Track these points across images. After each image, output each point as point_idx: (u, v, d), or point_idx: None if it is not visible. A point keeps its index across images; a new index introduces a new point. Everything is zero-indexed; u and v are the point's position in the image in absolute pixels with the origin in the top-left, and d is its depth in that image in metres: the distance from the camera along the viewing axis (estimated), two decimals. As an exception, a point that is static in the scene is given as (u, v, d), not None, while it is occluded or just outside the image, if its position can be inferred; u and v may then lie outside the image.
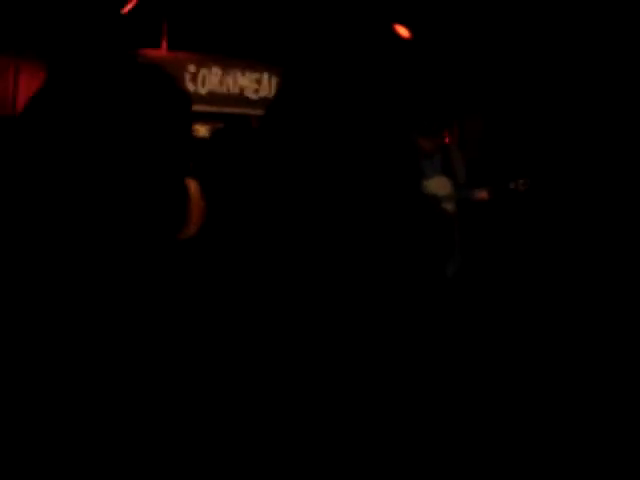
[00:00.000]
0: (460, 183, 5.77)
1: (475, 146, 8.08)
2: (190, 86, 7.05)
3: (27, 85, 6.23)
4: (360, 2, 7.24)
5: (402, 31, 7.71)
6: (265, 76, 7.47)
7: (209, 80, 7.17)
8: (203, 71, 7.12)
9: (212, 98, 7.21)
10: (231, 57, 7.29)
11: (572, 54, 7.12)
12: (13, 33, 6.12)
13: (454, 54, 7.81)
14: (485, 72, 7.84)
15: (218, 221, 1.96)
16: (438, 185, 5.69)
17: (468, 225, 5.92)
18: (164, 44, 6.85)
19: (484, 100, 8.03)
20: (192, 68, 7.05)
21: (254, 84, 7.44)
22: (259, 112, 7.05)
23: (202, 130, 7.10)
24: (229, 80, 7.29)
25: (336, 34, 7.34)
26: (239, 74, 7.34)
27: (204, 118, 7.16)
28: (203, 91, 7.14)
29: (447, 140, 7.15)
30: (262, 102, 7.29)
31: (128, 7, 6.39)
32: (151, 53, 6.78)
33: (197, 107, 7.09)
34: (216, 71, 7.20)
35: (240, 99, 7.37)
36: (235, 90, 7.33)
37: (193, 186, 1.49)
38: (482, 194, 5.65)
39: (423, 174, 5.67)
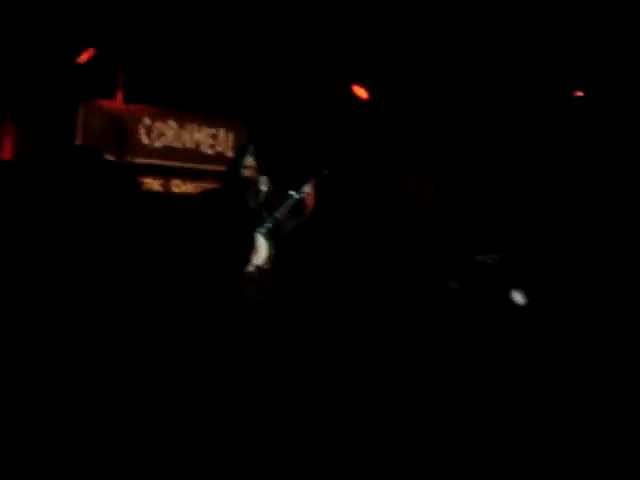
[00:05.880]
0: None
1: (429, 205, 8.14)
2: (144, 139, 6.92)
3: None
4: (318, 62, 7.27)
5: (360, 92, 7.74)
6: (222, 131, 7.40)
7: (165, 134, 7.05)
8: (158, 124, 7.02)
9: (167, 152, 7.09)
10: (187, 111, 7.20)
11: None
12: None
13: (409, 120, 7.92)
14: (438, 138, 7.97)
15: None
16: None
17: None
18: (120, 96, 6.73)
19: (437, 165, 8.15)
20: (147, 121, 6.94)
21: (210, 139, 7.35)
22: (215, 167, 6.96)
23: (154, 184, 6.95)
24: (185, 134, 7.19)
25: (293, 91, 7.35)
26: (195, 129, 7.25)
27: (157, 172, 7.02)
28: (158, 144, 7.02)
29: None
30: (218, 157, 7.19)
31: (84, 57, 6.27)
32: (106, 104, 6.65)
33: (151, 160, 6.97)
34: (172, 125, 7.10)
35: (196, 154, 7.26)
36: (191, 145, 7.23)
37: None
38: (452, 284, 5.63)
39: None
